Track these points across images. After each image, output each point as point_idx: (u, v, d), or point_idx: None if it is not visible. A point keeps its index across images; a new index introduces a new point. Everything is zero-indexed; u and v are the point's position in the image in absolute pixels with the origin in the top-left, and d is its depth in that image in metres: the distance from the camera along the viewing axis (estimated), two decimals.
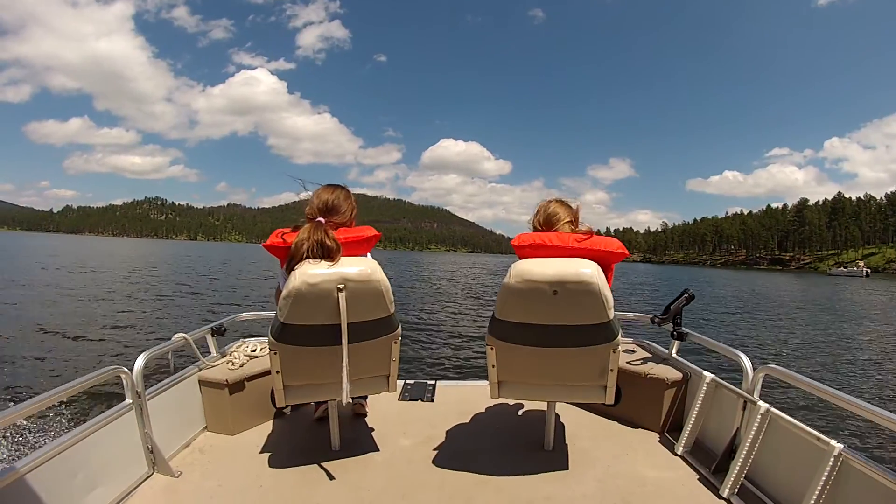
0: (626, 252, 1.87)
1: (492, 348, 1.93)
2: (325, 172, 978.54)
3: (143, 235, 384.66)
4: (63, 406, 4.28)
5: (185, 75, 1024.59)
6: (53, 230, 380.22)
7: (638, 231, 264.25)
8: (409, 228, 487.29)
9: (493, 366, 1.96)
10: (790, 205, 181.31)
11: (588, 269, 1.71)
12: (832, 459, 1.51)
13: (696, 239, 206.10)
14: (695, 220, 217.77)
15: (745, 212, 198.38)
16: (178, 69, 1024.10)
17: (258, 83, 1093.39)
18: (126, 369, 1.86)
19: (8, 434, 3.78)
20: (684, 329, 2.43)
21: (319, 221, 1.87)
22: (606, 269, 1.89)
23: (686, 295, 2.40)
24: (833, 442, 1.54)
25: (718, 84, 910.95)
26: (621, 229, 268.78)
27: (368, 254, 1.99)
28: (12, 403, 1.18)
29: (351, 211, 2.06)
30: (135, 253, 52.18)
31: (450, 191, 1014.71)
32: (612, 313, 1.75)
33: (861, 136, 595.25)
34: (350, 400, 1.84)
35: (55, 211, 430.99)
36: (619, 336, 1.82)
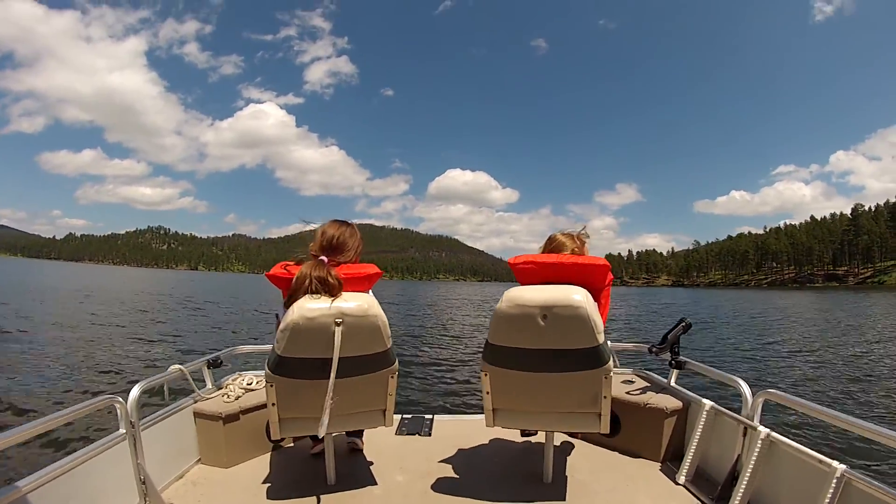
0: (608, 265, 1.98)
1: (486, 374, 1.97)
2: (333, 204, 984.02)
3: (143, 265, 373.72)
4: (56, 434, 4.26)
5: (196, 109, 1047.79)
6: (55, 257, 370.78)
7: (662, 252, 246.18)
8: (416, 258, 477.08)
9: (488, 392, 1.99)
10: (839, 213, 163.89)
11: (578, 296, 1.78)
12: (835, 481, 1.52)
13: (735, 257, 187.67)
14: (729, 236, 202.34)
15: (786, 224, 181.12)
16: (189, 103, 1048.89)
17: (266, 116, 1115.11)
18: (121, 399, 1.87)
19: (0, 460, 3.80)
20: (682, 357, 2.48)
21: (322, 260, 1.92)
22: (598, 290, 1.98)
23: (683, 324, 2.47)
24: (835, 463, 1.56)
25: (721, 104, 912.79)
26: (643, 251, 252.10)
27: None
28: (5, 429, 1.34)
29: (356, 248, 2.11)
30: (126, 283, 49.63)
31: (457, 220, 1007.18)
32: (601, 338, 1.80)
33: (866, 147, 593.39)
34: (343, 435, 1.84)
35: (58, 239, 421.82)
36: (611, 362, 1.86)
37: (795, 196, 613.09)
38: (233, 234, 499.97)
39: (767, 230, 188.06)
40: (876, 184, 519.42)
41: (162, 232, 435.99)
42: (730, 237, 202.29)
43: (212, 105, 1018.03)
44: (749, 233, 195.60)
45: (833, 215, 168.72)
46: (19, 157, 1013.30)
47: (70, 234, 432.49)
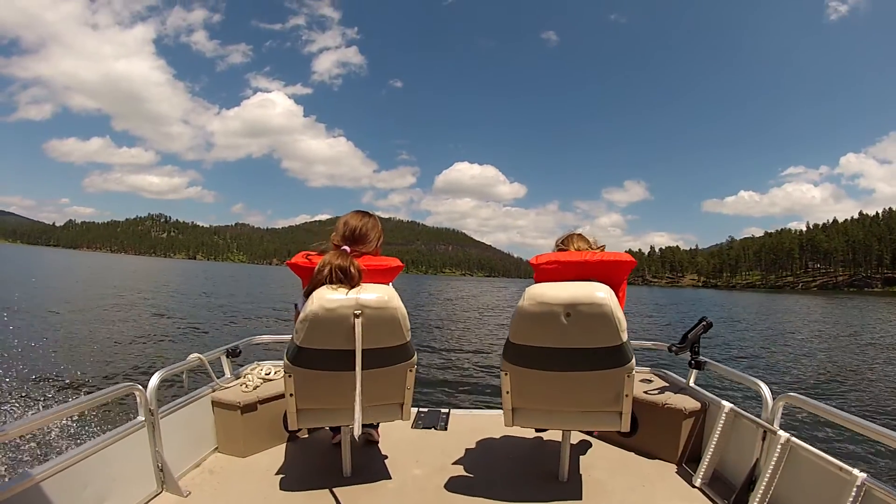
0: (635, 261, 1.94)
1: (506, 374, 1.96)
2: (339, 196, 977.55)
3: (141, 253, 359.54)
4: (77, 420, 4.29)
5: (202, 97, 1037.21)
6: (53, 244, 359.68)
7: (685, 249, 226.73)
8: (422, 251, 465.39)
9: (508, 392, 1.97)
10: (890, 210, 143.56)
11: (602, 293, 1.76)
12: (855, 489, 1.50)
13: (778, 256, 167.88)
14: (766, 232, 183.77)
15: (820, 223, 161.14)
16: (196, 91, 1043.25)
17: (274, 106, 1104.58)
18: (140, 387, 1.91)
19: (21, 444, 3.79)
20: (702, 358, 2.45)
21: (345, 250, 1.94)
22: (618, 285, 1.95)
23: (704, 323, 2.43)
24: (855, 471, 1.54)
25: (731, 103, 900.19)
26: (666, 248, 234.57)
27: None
28: (28, 415, 1.10)
29: (377, 240, 2.13)
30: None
31: (464, 214, 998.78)
32: (625, 336, 1.78)
33: (877, 150, 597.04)
34: (361, 432, 1.82)
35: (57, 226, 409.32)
36: (633, 360, 1.85)
37: (804, 198, 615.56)
38: (236, 224, 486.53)
39: (813, 226, 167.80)
40: (887, 187, 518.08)
41: (162, 220, 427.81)
42: (767, 233, 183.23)
43: (219, 94, 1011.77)
44: (791, 229, 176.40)
45: (890, 210, 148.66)
46: (27, 144, 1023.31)
47: (70, 220, 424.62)
